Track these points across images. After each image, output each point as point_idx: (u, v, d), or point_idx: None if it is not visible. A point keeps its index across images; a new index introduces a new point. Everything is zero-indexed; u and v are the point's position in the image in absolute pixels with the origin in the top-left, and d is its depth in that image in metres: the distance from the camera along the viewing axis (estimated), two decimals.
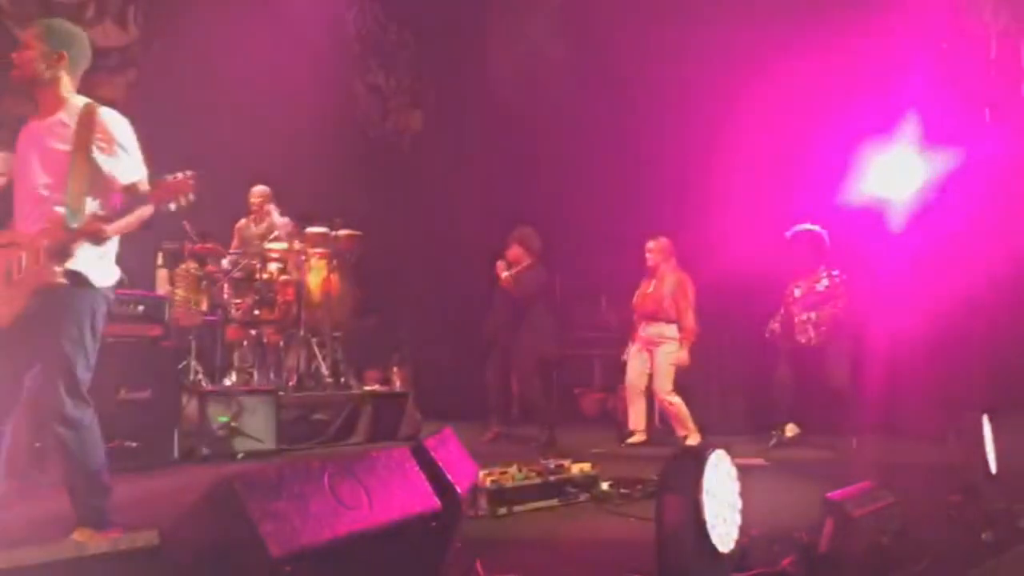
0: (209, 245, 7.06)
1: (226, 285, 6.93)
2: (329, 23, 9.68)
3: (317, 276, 7.34)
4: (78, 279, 3.43)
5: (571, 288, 8.83)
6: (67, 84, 3.55)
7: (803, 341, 6.68)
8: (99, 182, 3.46)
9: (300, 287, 7.16)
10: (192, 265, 6.83)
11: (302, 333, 7.11)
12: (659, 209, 8.18)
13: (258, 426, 6.21)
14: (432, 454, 3.03)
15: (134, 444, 5.43)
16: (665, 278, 7.11)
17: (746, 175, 7.79)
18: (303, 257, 7.28)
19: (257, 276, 7.04)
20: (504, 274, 7.07)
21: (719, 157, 7.80)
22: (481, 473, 4.09)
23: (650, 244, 7.21)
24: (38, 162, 3.47)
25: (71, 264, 3.40)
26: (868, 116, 7.44)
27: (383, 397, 7.25)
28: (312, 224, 7.45)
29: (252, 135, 7.91)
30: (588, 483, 4.62)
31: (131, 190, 3.48)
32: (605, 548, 3.74)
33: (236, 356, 7.00)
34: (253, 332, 7.05)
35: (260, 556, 2.17)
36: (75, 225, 3.37)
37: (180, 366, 6.35)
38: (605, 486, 4.63)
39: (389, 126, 10.65)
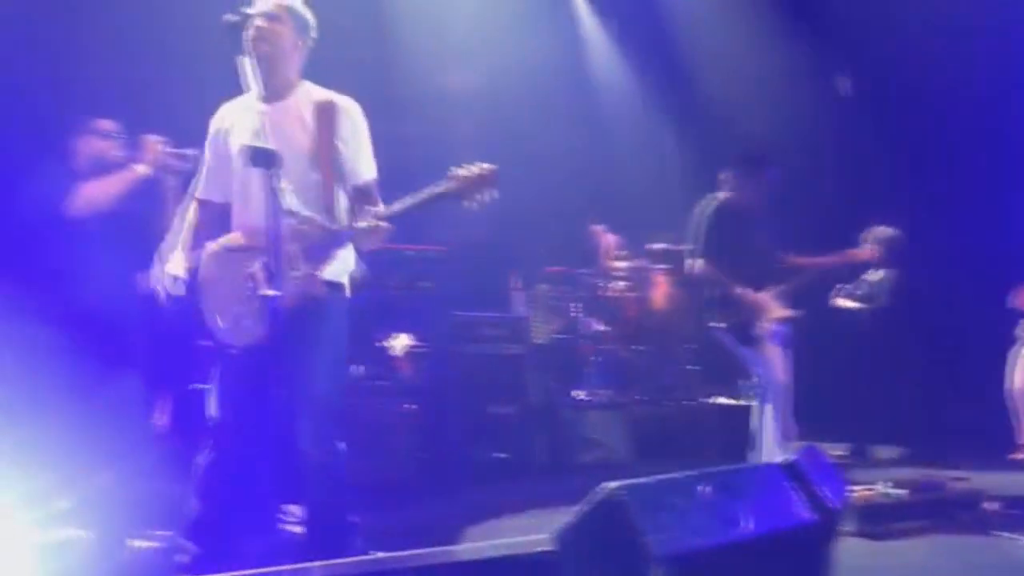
0: (559, 268, 7.46)
1: (577, 304, 7.26)
2: None
3: (661, 291, 7.47)
4: (336, 288, 3.13)
5: None
6: (300, 68, 3.20)
7: None
8: (341, 178, 3.13)
9: (646, 303, 7.33)
10: (545, 286, 7.25)
11: (650, 348, 7.26)
12: None
13: (613, 439, 6.45)
14: (802, 468, 2.99)
15: (504, 456, 5.86)
16: None
17: None
18: (647, 273, 7.45)
19: (605, 294, 7.31)
20: None
21: None
22: (854, 489, 3.95)
23: None
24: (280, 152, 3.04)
25: (329, 271, 3.08)
26: None
27: (733, 410, 7.18)
28: (656, 240, 7.60)
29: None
30: (970, 501, 4.27)
31: (368, 188, 3.18)
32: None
33: (589, 372, 7.29)
34: (603, 348, 7.31)
35: (645, 564, 2.28)
36: (336, 226, 3.04)
37: (540, 383, 6.73)
38: (995, 505, 4.25)
39: None
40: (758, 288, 5.04)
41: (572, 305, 7.30)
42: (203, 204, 3.31)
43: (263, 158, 2.83)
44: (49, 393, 3.71)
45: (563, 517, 2.45)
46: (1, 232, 3.99)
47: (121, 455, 3.87)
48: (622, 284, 7.40)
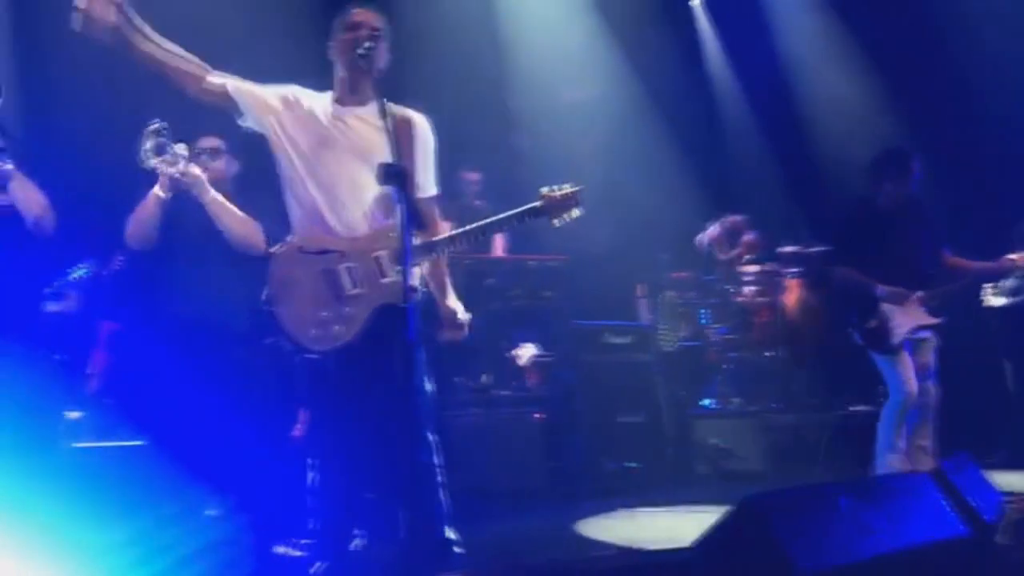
0: (685, 273, 7.36)
1: (705, 310, 7.15)
2: None
3: (793, 296, 7.26)
4: (417, 294, 3.06)
5: None
6: None
7: None
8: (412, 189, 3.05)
9: (777, 308, 7.14)
10: (671, 293, 7.16)
11: (782, 354, 7.07)
12: None
13: (746, 448, 6.31)
14: (952, 478, 2.86)
15: (634, 465, 5.82)
16: None
17: None
18: (778, 278, 7.26)
19: (734, 299, 7.16)
20: None
21: None
22: (1011, 500, 3.74)
23: None
24: (357, 159, 3.10)
25: (414, 277, 2.99)
26: None
27: (871, 417, 6.92)
28: (784, 243, 7.41)
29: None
30: None
31: (431, 202, 3.20)
32: None
33: (719, 379, 7.16)
34: (734, 355, 7.17)
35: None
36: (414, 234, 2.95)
37: (668, 391, 6.66)
38: None
39: None
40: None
41: (700, 311, 7.18)
42: (224, 98, 3.19)
43: (394, 175, 2.87)
44: (196, 404, 3.86)
45: (695, 527, 2.41)
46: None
47: (263, 465, 3.99)
48: (752, 289, 7.24)
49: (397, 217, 2.97)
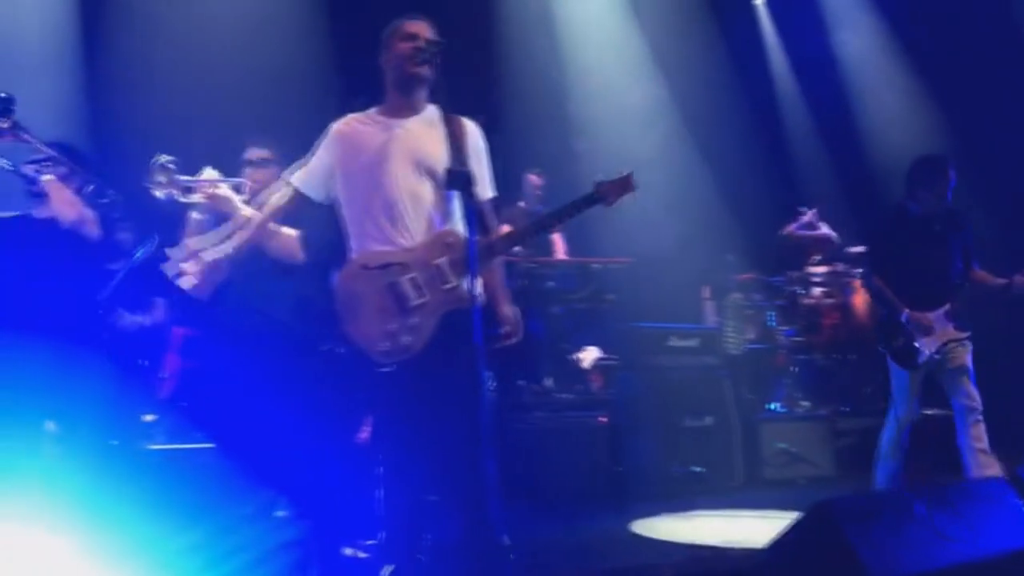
0: (751, 275, 7.25)
1: (772, 312, 7.04)
2: None
3: (862, 297, 7.10)
4: (481, 297, 3.07)
5: None
6: None
7: None
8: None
9: (846, 309, 7.00)
10: (737, 295, 7.07)
11: (852, 357, 6.92)
12: None
13: (815, 452, 6.20)
14: None
15: (700, 469, 5.75)
16: None
17: None
18: (847, 279, 7.11)
19: (802, 301, 7.04)
20: None
21: None
22: None
23: None
24: (415, 168, 3.11)
25: (475, 282, 2.98)
26: None
27: (943, 421, 6.73)
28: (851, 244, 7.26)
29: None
30: None
31: (488, 206, 3.23)
32: None
33: (786, 382, 7.04)
34: (802, 358, 7.04)
35: None
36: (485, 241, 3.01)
37: (735, 394, 6.57)
38: None
39: None
40: (933, 306, 4.66)
41: (767, 313, 7.08)
42: (299, 196, 3.29)
43: (461, 180, 2.91)
44: (263, 408, 3.92)
45: (764, 532, 2.37)
46: None
47: (329, 468, 4.04)
48: (820, 290, 7.10)
49: (454, 222, 3.09)
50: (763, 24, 9.03)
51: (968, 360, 4.70)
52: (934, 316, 4.62)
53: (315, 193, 3.26)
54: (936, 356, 4.63)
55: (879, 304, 4.96)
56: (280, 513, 3.99)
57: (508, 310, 3.29)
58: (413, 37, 3.13)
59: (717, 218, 7.91)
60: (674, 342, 6.18)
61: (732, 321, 6.95)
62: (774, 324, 7.05)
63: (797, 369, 7.03)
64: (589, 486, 5.48)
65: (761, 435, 6.14)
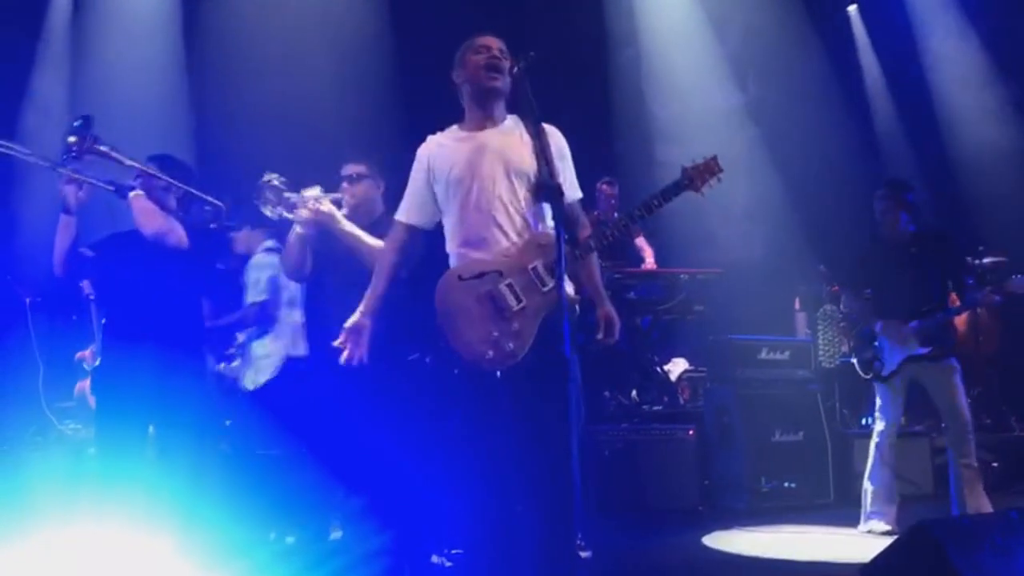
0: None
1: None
2: None
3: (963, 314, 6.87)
4: (577, 302, 3.17)
5: None
6: None
7: None
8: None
9: None
10: (830, 307, 6.90)
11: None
12: None
13: (911, 469, 5.99)
14: None
15: (791, 485, 5.62)
16: None
17: None
18: None
19: None
20: None
21: None
22: None
23: None
24: (504, 174, 3.13)
25: (568, 285, 3.03)
26: None
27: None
28: None
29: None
30: None
31: (577, 207, 3.29)
32: None
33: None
34: None
35: None
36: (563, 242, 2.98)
37: (827, 408, 6.41)
38: None
39: None
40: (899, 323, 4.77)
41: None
42: (410, 228, 3.34)
43: (551, 192, 2.94)
44: (351, 417, 3.97)
45: (858, 551, 2.30)
46: None
47: (415, 477, 4.07)
48: None
49: (546, 223, 3.12)
50: (856, 31, 8.85)
51: (955, 380, 4.74)
52: (905, 330, 4.72)
53: (419, 220, 3.31)
54: (904, 368, 4.74)
55: (854, 317, 5.26)
56: (364, 522, 4.04)
57: (606, 311, 3.29)
58: (485, 49, 3.19)
59: (810, 227, 7.75)
60: (765, 355, 6.07)
61: (825, 333, 6.78)
62: None
63: None
64: (676, 499, 5.43)
65: (854, 451, 5.97)
